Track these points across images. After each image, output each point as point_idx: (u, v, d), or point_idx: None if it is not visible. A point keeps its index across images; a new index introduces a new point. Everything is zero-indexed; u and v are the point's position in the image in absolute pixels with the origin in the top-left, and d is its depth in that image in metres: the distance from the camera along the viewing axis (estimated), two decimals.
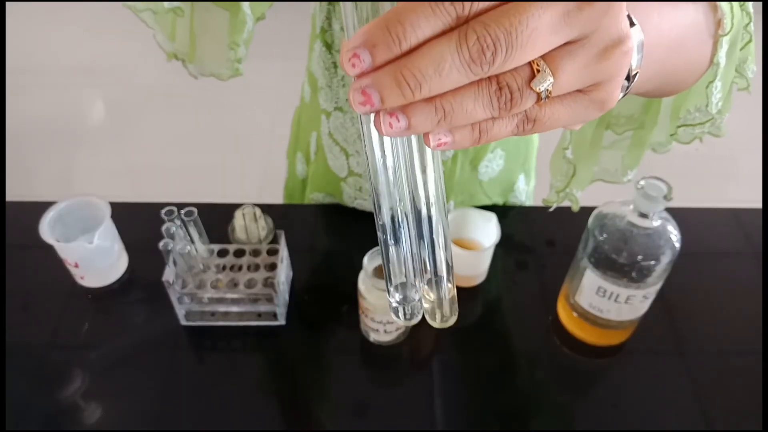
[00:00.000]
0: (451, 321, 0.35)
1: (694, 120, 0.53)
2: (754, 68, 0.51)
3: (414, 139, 0.30)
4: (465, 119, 0.27)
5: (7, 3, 2.80)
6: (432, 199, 0.31)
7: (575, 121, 0.30)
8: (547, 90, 0.27)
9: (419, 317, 0.35)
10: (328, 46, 0.80)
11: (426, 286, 0.34)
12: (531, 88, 0.26)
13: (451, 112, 0.26)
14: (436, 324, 0.35)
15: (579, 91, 0.29)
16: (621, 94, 0.33)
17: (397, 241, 0.32)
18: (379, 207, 0.31)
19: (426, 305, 0.35)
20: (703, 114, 0.52)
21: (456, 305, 0.35)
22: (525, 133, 0.29)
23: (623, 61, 0.28)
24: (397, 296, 0.34)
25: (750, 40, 0.49)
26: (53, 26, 2.85)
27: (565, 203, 0.67)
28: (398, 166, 0.31)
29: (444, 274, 0.34)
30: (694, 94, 0.52)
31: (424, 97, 0.26)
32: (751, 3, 0.47)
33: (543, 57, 0.26)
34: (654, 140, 0.61)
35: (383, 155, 0.30)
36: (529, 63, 0.26)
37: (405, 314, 0.35)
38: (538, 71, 0.26)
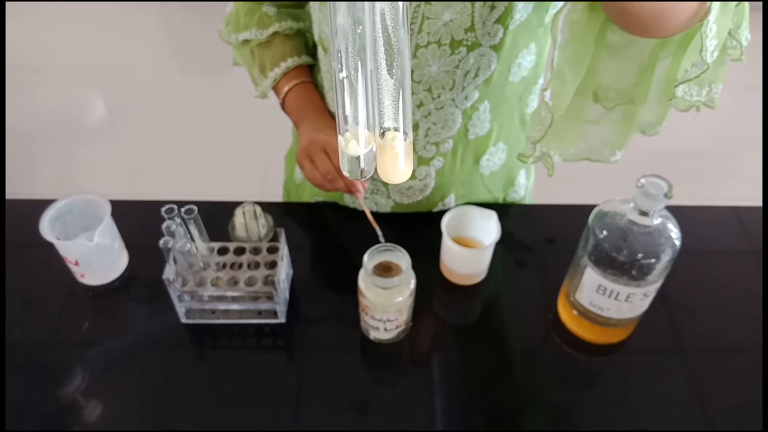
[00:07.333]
0: (404, 176, 0.32)
1: (691, 75, 0.53)
2: (749, 36, 0.52)
3: None
4: None
5: (7, 2, 2.80)
6: (391, 31, 0.28)
7: None
8: None
9: (371, 172, 0.32)
10: (326, 50, 0.81)
11: (380, 138, 0.31)
12: None
13: None
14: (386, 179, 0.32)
15: None
16: None
17: (351, 76, 0.29)
18: (336, 31, 0.28)
19: (380, 157, 0.32)
20: (698, 67, 0.52)
21: (411, 158, 0.32)
22: None
23: None
24: (350, 146, 0.31)
25: None
26: (53, 24, 2.85)
27: (559, 201, 0.66)
28: None
29: (401, 121, 0.30)
30: (691, 51, 0.52)
31: None
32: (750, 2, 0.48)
33: None
34: (643, 120, 0.61)
35: None
36: None
37: (355, 167, 0.32)
38: None
